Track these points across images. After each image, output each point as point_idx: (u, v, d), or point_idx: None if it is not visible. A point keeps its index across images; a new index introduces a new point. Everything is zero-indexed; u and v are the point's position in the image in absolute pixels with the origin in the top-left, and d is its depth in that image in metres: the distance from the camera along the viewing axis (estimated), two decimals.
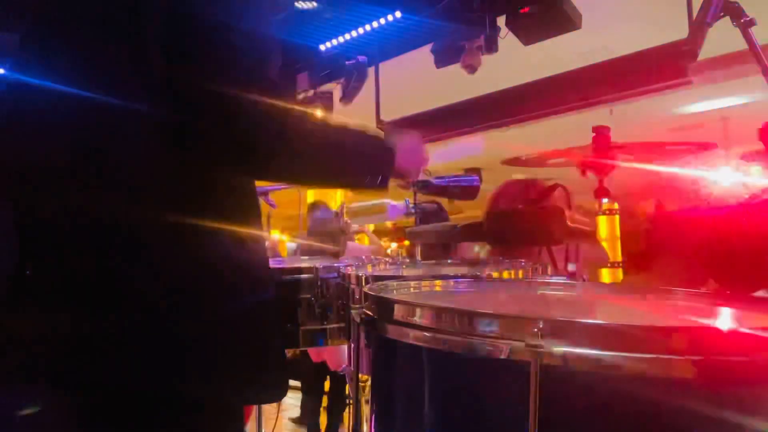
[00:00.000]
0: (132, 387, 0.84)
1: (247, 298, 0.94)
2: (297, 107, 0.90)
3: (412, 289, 1.14)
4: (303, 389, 4.08)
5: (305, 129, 0.92)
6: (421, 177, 2.26)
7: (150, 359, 0.84)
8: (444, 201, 3.03)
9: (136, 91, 0.86)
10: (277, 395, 1.00)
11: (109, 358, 0.83)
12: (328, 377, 3.94)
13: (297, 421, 4.20)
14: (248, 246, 0.97)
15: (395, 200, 2.42)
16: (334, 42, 3.40)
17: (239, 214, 0.96)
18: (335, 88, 3.84)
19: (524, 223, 1.84)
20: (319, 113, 0.97)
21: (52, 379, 0.87)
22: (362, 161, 1.04)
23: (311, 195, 7.10)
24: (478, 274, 1.45)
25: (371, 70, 3.75)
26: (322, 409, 4.06)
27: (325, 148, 0.97)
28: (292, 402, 4.20)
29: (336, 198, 7.41)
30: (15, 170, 0.93)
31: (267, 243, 1.05)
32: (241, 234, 0.95)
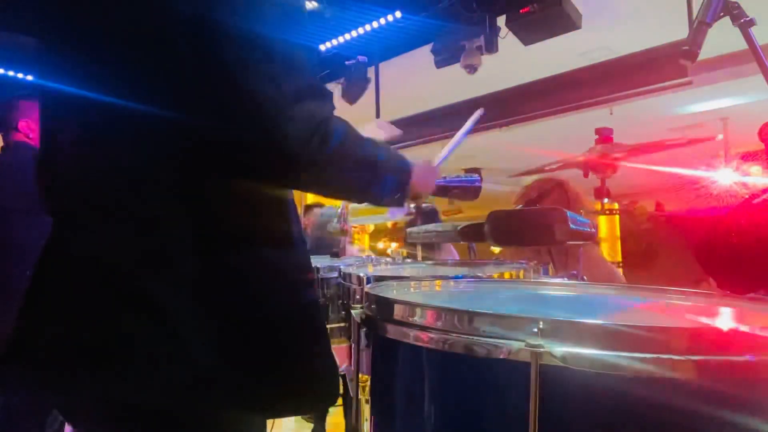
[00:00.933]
0: (154, 400, 0.81)
1: (284, 303, 0.90)
2: (337, 118, 0.87)
3: (412, 289, 1.14)
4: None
5: (346, 142, 0.89)
6: None
7: (173, 369, 0.81)
8: (444, 201, 3.03)
9: (167, 98, 0.83)
10: (328, 402, 0.95)
11: (129, 367, 0.81)
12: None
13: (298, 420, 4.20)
14: (283, 249, 0.93)
15: None
16: (334, 42, 3.40)
17: (275, 218, 0.93)
18: (335, 88, 3.84)
19: (525, 223, 1.84)
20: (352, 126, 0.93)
21: (65, 386, 0.86)
22: (386, 179, 1.01)
23: (310, 196, 7.09)
24: (479, 274, 1.45)
25: (371, 70, 3.75)
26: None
27: (360, 162, 0.94)
28: None
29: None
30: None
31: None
32: (275, 237, 0.92)
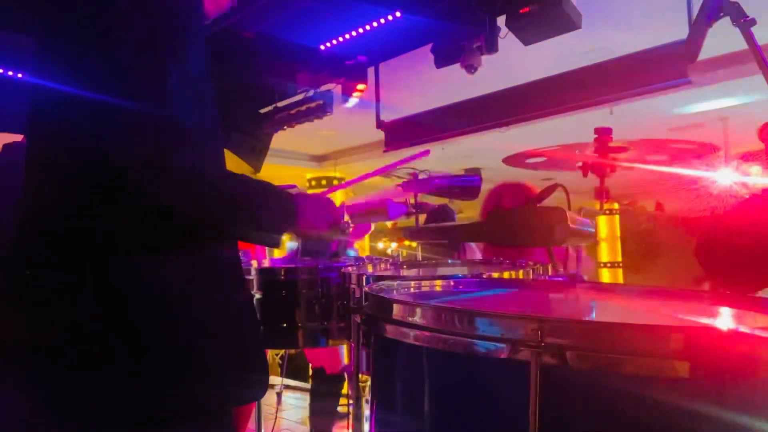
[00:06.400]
0: (111, 394, 0.84)
1: (219, 299, 0.94)
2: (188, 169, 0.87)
3: (412, 289, 1.14)
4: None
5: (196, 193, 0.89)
6: (422, 176, 2.26)
7: (126, 366, 0.84)
8: (444, 201, 3.03)
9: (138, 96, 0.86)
10: (256, 394, 1.01)
11: (84, 363, 0.84)
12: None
13: (297, 421, 4.19)
14: (216, 247, 0.97)
15: (395, 200, 2.42)
16: (334, 42, 3.40)
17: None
18: (335, 88, 3.84)
19: (524, 223, 1.84)
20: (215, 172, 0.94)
21: (37, 379, 0.87)
22: (259, 220, 1.01)
23: None
24: (479, 274, 1.45)
25: (371, 70, 3.75)
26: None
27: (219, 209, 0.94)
28: (292, 402, 4.21)
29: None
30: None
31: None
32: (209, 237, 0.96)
